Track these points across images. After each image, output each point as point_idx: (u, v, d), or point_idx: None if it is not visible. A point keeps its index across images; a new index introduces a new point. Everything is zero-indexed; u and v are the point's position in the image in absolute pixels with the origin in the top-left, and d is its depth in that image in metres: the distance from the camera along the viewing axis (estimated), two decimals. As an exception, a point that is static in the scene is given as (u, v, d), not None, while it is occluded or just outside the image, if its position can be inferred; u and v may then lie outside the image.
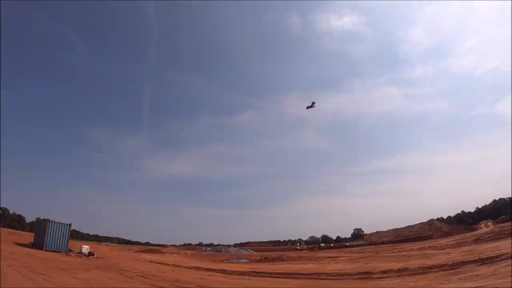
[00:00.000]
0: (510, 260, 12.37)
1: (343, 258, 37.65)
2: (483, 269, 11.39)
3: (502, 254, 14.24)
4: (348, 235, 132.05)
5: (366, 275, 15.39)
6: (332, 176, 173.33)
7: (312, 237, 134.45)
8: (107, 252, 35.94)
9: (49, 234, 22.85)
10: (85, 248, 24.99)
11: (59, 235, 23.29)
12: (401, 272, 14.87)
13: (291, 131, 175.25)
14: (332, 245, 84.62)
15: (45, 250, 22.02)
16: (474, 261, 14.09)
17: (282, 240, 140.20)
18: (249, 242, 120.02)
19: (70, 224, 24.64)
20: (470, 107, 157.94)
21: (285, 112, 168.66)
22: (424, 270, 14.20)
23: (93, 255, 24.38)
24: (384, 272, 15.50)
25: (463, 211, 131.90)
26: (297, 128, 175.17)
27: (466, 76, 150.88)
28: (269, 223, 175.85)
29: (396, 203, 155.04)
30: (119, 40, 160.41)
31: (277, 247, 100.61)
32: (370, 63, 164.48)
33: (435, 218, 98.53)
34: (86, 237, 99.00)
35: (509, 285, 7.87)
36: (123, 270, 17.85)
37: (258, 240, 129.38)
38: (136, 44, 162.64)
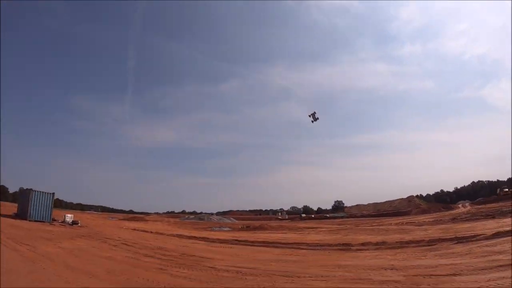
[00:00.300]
0: (484, 241, 12.80)
1: (323, 229, 38.67)
2: (459, 248, 11.76)
3: (478, 235, 14.70)
4: (329, 207, 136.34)
5: (345, 246, 15.82)
6: (315, 148, 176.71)
7: (293, 208, 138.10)
8: (91, 221, 36.07)
9: (32, 204, 22.63)
10: (69, 217, 25.04)
11: (42, 205, 23.13)
12: (380, 245, 15.32)
13: (275, 101, 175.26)
14: (313, 216, 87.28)
15: (29, 221, 21.89)
16: (450, 239, 14.52)
17: (264, 209, 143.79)
18: (231, 211, 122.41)
19: (53, 193, 24.48)
20: (456, 89, 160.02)
21: (271, 82, 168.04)
22: (402, 245, 14.63)
23: (77, 223, 24.41)
24: (363, 244, 15.94)
25: (442, 190, 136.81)
26: (282, 98, 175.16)
27: (454, 58, 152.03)
28: (251, 192, 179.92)
29: (377, 178, 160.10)
30: (103, 4, 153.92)
31: (259, 216, 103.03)
32: (358, 38, 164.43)
33: (414, 195, 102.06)
34: (69, 206, 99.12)
35: (483, 265, 8.11)
36: (106, 238, 18.01)
37: (240, 209, 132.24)
38: (120, 9, 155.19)
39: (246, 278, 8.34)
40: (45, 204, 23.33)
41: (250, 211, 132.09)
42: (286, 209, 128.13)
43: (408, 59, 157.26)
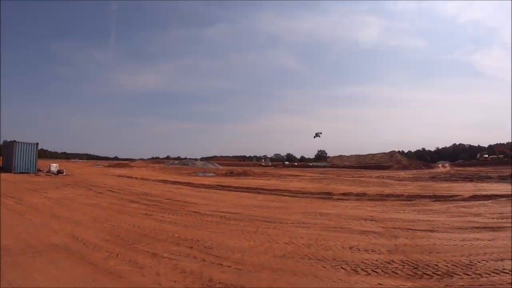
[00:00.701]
0: (462, 202, 13.31)
1: (306, 177, 39.75)
2: (437, 206, 12.21)
3: (455, 195, 15.27)
4: (312, 156, 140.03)
5: (327, 195, 16.29)
6: (301, 97, 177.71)
7: (277, 155, 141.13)
8: (76, 169, 35.98)
9: (17, 156, 22.46)
10: (54, 167, 25.09)
11: (27, 156, 23.08)
12: (360, 196, 15.84)
13: (263, 48, 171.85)
14: (296, 164, 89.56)
15: (14, 173, 21.87)
16: (428, 197, 15.08)
17: (248, 155, 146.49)
18: (215, 156, 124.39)
19: (37, 144, 24.23)
20: (447, 51, 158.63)
21: (259, 28, 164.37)
22: (382, 198, 15.15)
23: (62, 173, 24.56)
24: (344, 194, 16.46)
25: (423, 149, 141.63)
26: (270, 45, 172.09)
27: (448, 20, 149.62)
28: (236, 138, 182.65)
29: (360, 130, 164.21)
30: None
31: (242, 162, 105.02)
32: None
33: (396, 151, 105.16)
34: (54, 156, 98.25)
35: (459, 225, 8.44)
36: (92, 185, 18.21)
37: (224, 155, 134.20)
38: None
39: (230, 223, 8.51)
40: (30, 155, 23.32)
41: (234, 157, 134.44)
42: (270, 156, 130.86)
43: (401, 15, 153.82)
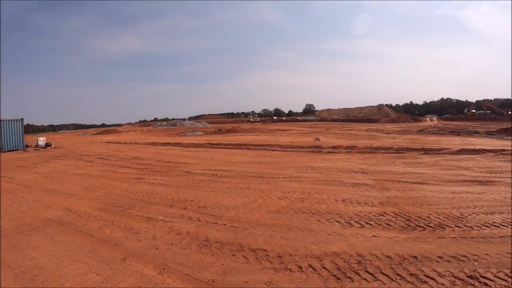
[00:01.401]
0: (450, 155, 13.62)
1: (295, 131, 39.96)
2: (426, 159, 12.48)
3: (444, 149, 15.58)
4: (300, 110, 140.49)
5: (317, 149, 16.47)
6: (287, 52, 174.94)
7: (265, 110, 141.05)
8: (64, 140, 35.43)
9: (3, 134, 22.15)
10: (41, 140, 25.10)
11: (13, 133, 22.84)
12: (350, 149, 16.06)
13: (245, 2, 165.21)
14: (284, 118, 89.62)
15: (3, 152, 21.66)
16: (417, 150, 15.38)
17: (235, 112, 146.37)
18: (203, 115, 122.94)
19: (22, 119, 23.77)
20: (435, 5, 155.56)
21: None
22: (372, 150, 15.41)
23: (51, 145, 24.65)
24: (334, 147, 16.68)
25: (411, 102, 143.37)
26: None
27: None
28: (222, 96, 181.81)
29: (348, 84, 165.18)
30: None
31: (230, 119, 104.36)
32: None
33: (384, 104, 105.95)
34: (41, 129, 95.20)
35: (448, 178, 8.67)
36: (81, 155, 18.32)
37: (212, 113, 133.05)
38: None
39: (222, 181, 8.52)
40: (16, 131, 23.10)
41: (221, 114, 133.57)
42: (258, 112, 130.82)
43: None
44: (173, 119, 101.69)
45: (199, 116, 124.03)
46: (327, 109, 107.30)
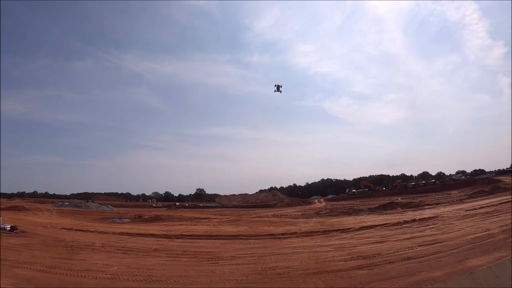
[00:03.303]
0: (356, 231, 24.18)
1: (214, 219, 47.55)
2: (345, 235, 22.60)
3: (349, 228, 26.24)
4: (189, 193, 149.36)
5: (271, 236, 25.20)
6: (167, 136, 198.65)
7: (155, 193, 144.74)
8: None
9: None
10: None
11: None
12: (293, 234, 25.28)
13: (127, 86, 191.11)
14: (187, 204, 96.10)
15: None
16: (334, 230, 25.62)
17: (120, 192, 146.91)
18: (94, 194, 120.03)
19: None
20: (300, 98, 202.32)
21: (124, 67, 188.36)
22: (308, 234, 24.87)
23: (16, 229, 24.81)
24: (282, 234, 25.67)
25: (294, 184, 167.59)
26: (133, 84, 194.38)
27: (299, 72, 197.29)
28: (104, 175, 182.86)
29: (230, 168, 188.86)
30: None
31: (129, 202, 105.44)
32: (212, 41, 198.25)
33: (273, 187, 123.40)
34: None
35: (364, 242, 18.56)
36: (86, 246, 19.73)
37: (96, 191, 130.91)
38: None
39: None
40: None
41: (110, 194, 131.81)
42: (148, 195, 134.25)
43: (255, 66, 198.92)
44: (54, 195, 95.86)
45: (85, 194, 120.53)
46: (224, 196, 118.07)
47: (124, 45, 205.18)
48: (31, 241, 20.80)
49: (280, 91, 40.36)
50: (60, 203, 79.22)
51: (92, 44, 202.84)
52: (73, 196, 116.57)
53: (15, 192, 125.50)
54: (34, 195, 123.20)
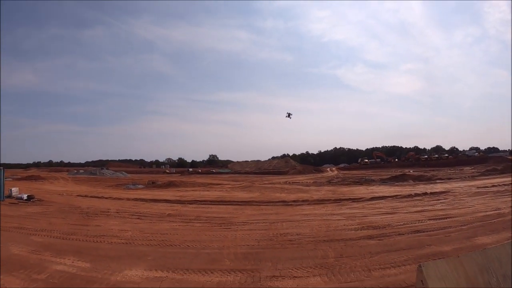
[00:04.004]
0: (368, 201, 24.41)
1: (228, 186, 48.49)
2: (355, 205, 22.84)
3: (360, 198, 26.48)
4: (201, 160, 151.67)
5: (283, 202, 25.68)
6: (178, 101, 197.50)
7: (168, 159, 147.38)
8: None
9: None
10: (15, 191, 26.40)
11: None
12: (304, 202, 25.70)
13: (139, 52, 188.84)
14: (200, 170, 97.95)
15: None
16: (346, 199, 25.90)
17: (134, 159, 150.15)
18: (108, 161, 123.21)
19: (3, 168, 25.23)
20: (313, 65, 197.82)
21: (136, 34, 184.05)
22: (319, 202, 25.25)
23: (33, 198, 25.47)
24: (294, 201, 26.12)
25: (307, 152, 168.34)
26: (145, 50, 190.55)
27: (313, 39, 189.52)
28: (119, 141, 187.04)
29: (242, 134, 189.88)
30: None
31: (143, 169, 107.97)
32: (223, 6, 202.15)
33: (285, 154, 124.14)
34: None
35: (375, 212, 18.77)
36: (101, 212, 20.36)
37: (111, 159, 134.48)
38: None
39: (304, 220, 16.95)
40: None
41: (124, 160, 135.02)
42: (162, 161, 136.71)
43: (269, 32, 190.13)
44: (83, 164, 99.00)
45: (100, 161, 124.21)
46: (237, 162, 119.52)
47: (134, 11, 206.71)
48: (48, 209, 21.50)
49: (290, 118, 47.39)
50: (75, 171, 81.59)
51: (103, 11, 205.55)
52: (88, 164, 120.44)
53: (31, 162, 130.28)
54: (49, 165, 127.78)
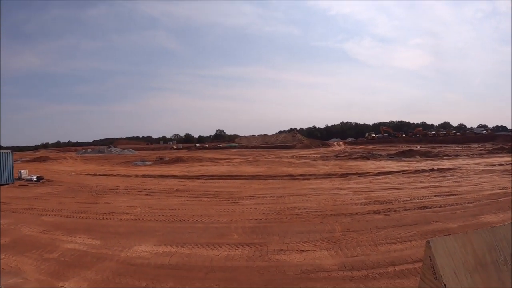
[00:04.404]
0: (374, 176, 24.46)
1: (235, 160, 48.85)
2: (362, 179, 22.91)
3: (367, 172, 26.53)
4: (208, 135, 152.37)
5: (291, 176, 25.85)
6: (184, 77, 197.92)
7: (175, 135, 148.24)
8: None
9: None
10: (24, 173, 26.84)
11: (3, 166, 24.02)
12: (312, 176, 25.87)
13: (143, 29, 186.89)
14: (207, 145, 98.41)
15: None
16: (352, 174, 25.98)
17: (141, 136, 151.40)
18: (115, 139, 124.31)
19: (11, 151, 25.46)
20: (320, 39, 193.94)
21: (139, 10, 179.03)
22: (326, 176, 25.39)
23: (42, 179, 25.76)
24: (301, 175, 26.29)
25: (314, 126, 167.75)
26: (150, 27, 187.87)
27: (320, 12, 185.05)
28: (125, 120, 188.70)
29: (249, 109, 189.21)
30: None
31: (150, 145, 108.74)
32: None
33: (294, 130, 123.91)
34: None
35: (381, 187, 18.85)
36: (110, 190, 20.41)
37: (118, 136, 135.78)
38: None
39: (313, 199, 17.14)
40: (6, 164, 24.21)
41: (131, 138, 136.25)
42: (169, 137, 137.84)
43: (274, 5, 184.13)
44: (76, 142, 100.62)
45: (107, 139, 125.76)
46: (244, 136, 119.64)
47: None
48: (57, 189, 21.61)
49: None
50: (83, 150, 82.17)
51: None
52: (96, 143, 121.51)
53: (39, 143, 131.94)
54: (57, 145, 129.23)
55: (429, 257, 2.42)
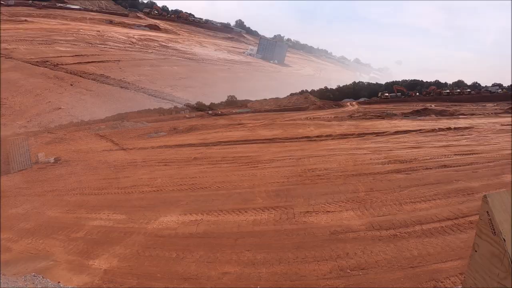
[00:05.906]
0: (391, 135, 24.28)
1: (250, 124, 48.65)
2: (380, 139, 22.74)
3: (384, 132, 26.18)
4: (218, 101, 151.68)
5: (307, 138, 25.84)
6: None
7: (187, 104, 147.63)
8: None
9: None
10: (42, 156, 26.23)
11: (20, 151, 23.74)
12: (328, 137, 25.79)
13: None
14: (219, 112, 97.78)
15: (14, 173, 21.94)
16: (370, 133, 25.76)
17: (152, 108, 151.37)
18: (127, 113, 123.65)
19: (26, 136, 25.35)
20: None
21: None
22: (343, 137, 25.25)
23: (60, 160, 25.28)
24: (318, 136, 26.24)
25: (326, 87, 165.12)
26: None
27: None
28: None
29: (257, 72, 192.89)
30: None
31: (162, 116, 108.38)
32: None
33: (306, 92, 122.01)
34: None
35: (400, 146, 18.77)
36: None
37: (130, 110, 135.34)
38: None
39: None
40: (22, 149, 23.94)
41: (143, 111, 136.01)
42: (180, 106, 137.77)
43: None
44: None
45: (119, 115, 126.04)
46: (256, 100, 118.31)
47: None
48: (76, 168, 21.40)
49: None
50: (97, 127, 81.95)
51: None
52: (108, 119, 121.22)
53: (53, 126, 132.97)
54: (70, 125, 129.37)
55: (487, 212, 2.44)
